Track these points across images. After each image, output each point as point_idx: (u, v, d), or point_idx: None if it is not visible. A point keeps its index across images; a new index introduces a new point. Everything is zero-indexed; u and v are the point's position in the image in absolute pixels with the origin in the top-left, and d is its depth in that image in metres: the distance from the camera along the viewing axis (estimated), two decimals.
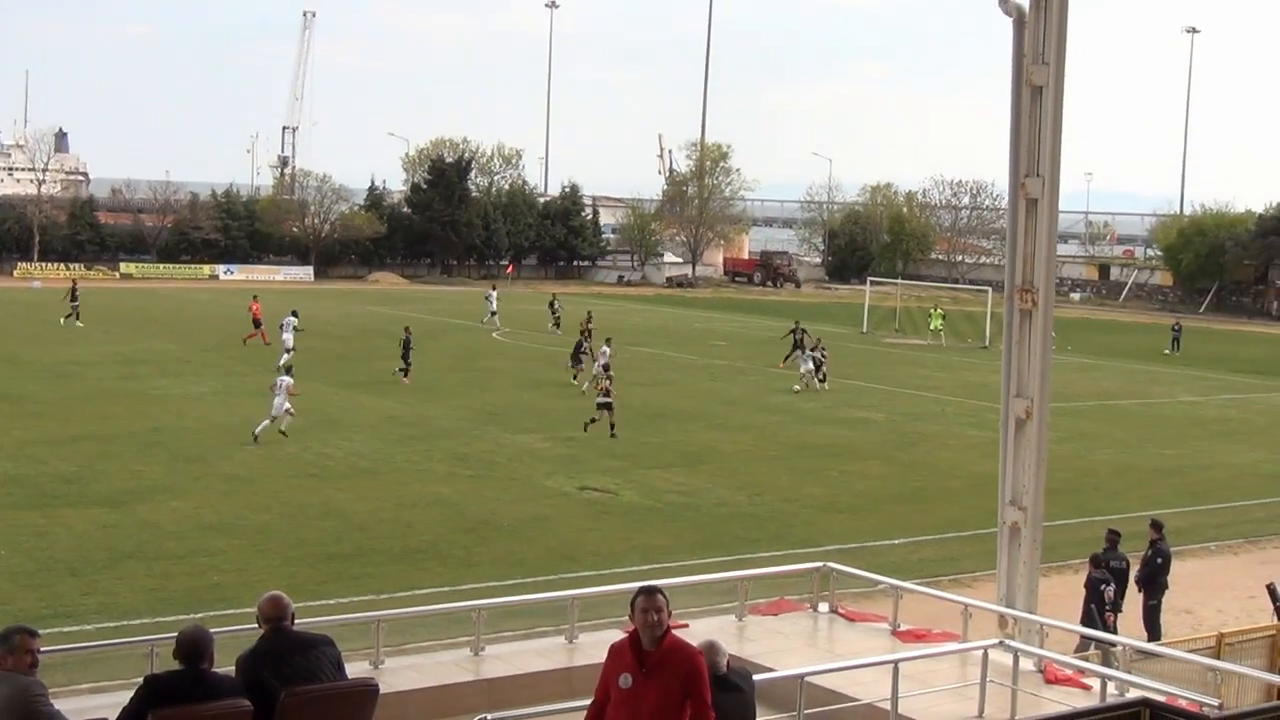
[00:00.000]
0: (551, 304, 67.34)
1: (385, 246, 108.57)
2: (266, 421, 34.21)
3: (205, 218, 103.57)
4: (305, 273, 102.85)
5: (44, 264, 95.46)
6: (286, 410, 34.61)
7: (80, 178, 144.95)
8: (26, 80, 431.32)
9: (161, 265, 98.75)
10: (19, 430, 34.56)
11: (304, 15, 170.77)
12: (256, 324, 54.61)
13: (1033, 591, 14.50)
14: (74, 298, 61.04)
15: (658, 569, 22.72)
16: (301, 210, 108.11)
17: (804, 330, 53.69)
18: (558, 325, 63.99)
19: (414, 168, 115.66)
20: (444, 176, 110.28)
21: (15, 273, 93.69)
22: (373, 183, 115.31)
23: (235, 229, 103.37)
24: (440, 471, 31.60)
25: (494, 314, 66.69)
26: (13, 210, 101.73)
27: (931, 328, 68.34)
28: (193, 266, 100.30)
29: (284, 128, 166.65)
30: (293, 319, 50.75)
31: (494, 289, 70.92)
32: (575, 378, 46.73)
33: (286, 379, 35.33)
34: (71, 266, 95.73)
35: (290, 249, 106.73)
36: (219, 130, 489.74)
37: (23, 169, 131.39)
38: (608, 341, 44.78)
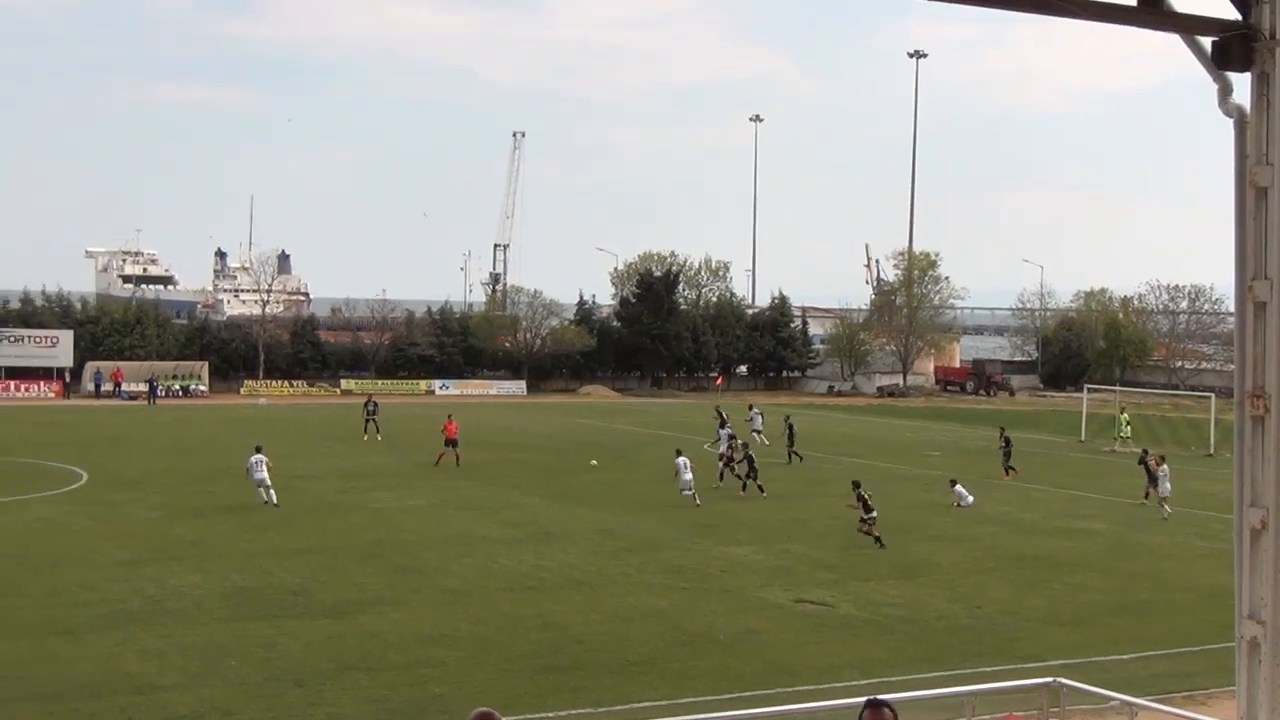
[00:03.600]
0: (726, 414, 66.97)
1: (595, 359, 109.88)
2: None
3: (421, 334, 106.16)
4: (518, 387, 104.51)
5: (269, 381, 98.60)
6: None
7: (302, 298, 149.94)
8: (251, 205, 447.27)
9: (379, 381, 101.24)
10: (247, 542, 35.59)
11: (514, 136, 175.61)
12: (450, 443, 54.36)
13: (1275, 710, 13.91)
14: (371, 411, 63.29)
15: (878, 683, 22.33)
16: (513, 325, 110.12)
17: (1008, 437, 53.74)
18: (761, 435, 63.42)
19: (623, 282, 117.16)
20: (652, 290, 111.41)
21: (242, 390, 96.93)
22: (582, 297, 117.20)
23: (450, 345, 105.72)
24: (655, 584, 31.62)
25: (759, 432, 63.16)
26: (239, 330, 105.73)
27: (1120, 435, 65.70)
28: (410, 382, 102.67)
29: (495, 245, 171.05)
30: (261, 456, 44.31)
31: (752, 407, 69.25)
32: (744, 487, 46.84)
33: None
34: (294, 384, 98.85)
35: (503, 363, 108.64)
36: (432, 249, 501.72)
37: (249, 290, 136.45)
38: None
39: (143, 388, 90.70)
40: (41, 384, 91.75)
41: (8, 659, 23.53)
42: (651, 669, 24.19)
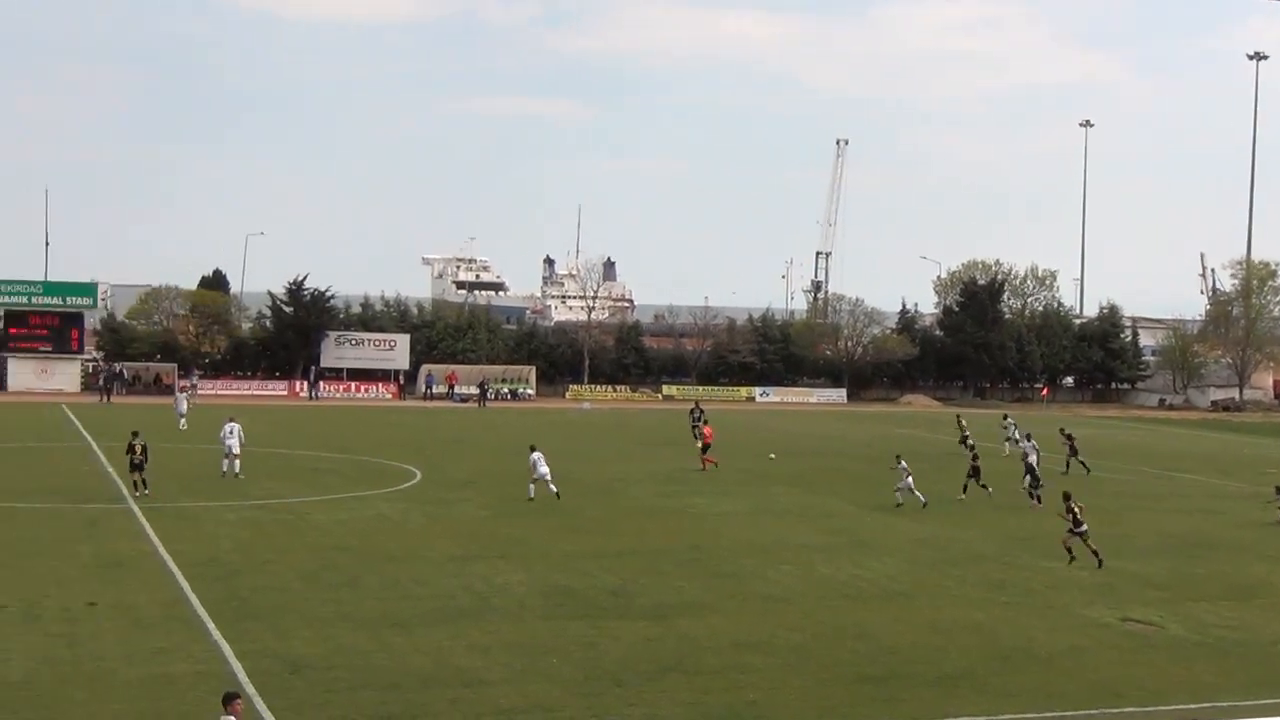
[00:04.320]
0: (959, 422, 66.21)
1: (917, 369, 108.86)
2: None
3: (742, 341, 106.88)
4: (838, 395, 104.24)
5: (593, 386, 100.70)
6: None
7: (626, 304, 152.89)
8: (579, 214, 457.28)
9: (700, 387, 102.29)
10: (568, 544, 36.45)
11: (837, 143, 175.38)
12: (705, 447, 54.54)
13: None
14: (697, 418, 64.69)
15: (1207, 708, 21.59)
16: (835, 333, 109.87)
17: None
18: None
19: (946, 290, 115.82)
20: (976, 299, 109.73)
21: (567, 394, 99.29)
22: (904, 305, 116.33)
23: (771, 352, 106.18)
24: (974, 597, 31.15)
25: (1009, 440, 62.85)
26: (565, 335, 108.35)
27: None
28: (730, 389, 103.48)
29: (817, 253, 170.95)
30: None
31: (1006, 416, 69.28)
32: (965, 490, 46.80)
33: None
34: (617, 389, 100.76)
35: (824, 371, 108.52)
36: (754, 257, 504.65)
37: (575, 297, 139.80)
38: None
39: (474, 390, 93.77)
40: (379, 385, 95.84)
41: (348, 648, 24.66)
42: (969, 683, 23.84)
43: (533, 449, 45.21)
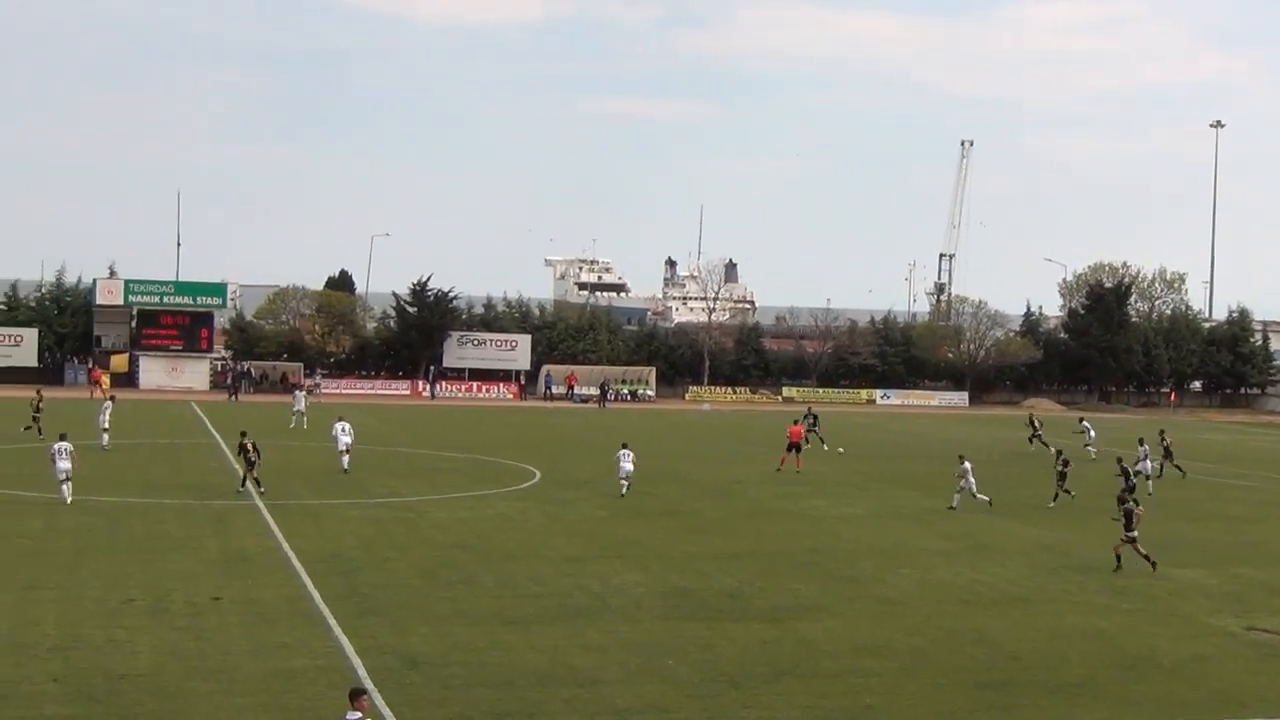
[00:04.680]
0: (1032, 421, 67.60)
1: (1041, 372, 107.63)
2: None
3: (863, 344, 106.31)
4: (960, 398, 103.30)
5: (713, 387, 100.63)
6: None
7: (747, 306, 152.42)
8: (701, 215, 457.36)
9: (821, 389, 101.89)
10: (686, 545, 36.49)
11: (961, 144, 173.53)
12: (793, 447, 54.17)
13: None
14: (812, 423, 64.80)
15: None
16: (957, 336, 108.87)
17: None
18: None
19: (1071, 293, 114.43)
20: (1102, 302, 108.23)
21: (687, 395, 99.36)
22: (1028, 308, 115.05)
23: (892, 355, 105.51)
24: (1096, 603, 30.71)
25: (1089, 446, 62.63)
26: (686, 337, 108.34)
27: None
28: (850, 391, 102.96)
29: (940, 255, 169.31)
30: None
31: (1082, 419, 69.08)
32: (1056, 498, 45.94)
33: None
34: (737, 390, 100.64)
35: (945, 374, 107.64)
36: (877, 258, 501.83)
37: (696, 298, 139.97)
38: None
39: (594, 391, 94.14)
40: (500, 385, 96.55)
41: (465, 645, 24.89)
42: (1090, 691, 23.51)
43: (623, 446, 45.74)
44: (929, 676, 24.05)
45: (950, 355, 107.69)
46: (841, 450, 60.77)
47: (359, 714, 16.43)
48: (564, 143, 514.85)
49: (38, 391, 61.32)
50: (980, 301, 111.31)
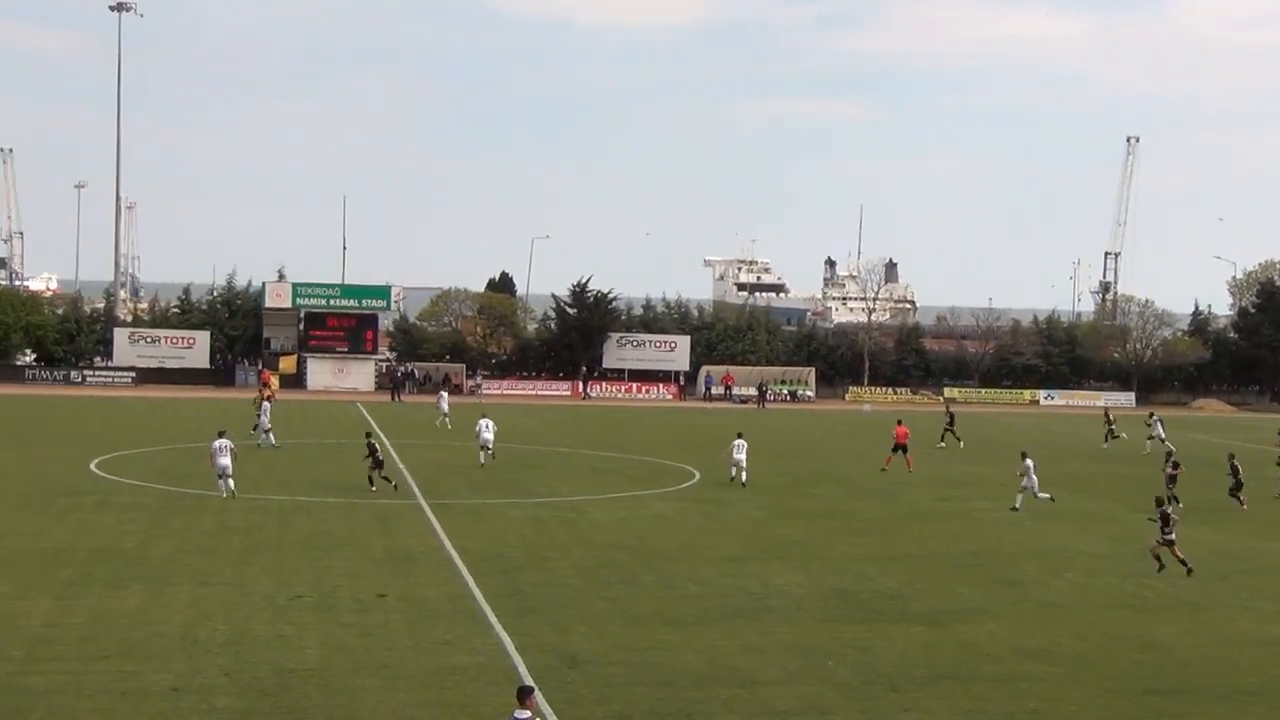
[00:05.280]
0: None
1: (1210, 372, 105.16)
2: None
3: (1026, 344, 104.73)
4: (1126, 398, 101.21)
5: (873, 388, 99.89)
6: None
7: (908, 306, 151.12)
8: (860, 215, 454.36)
9: (983, 390, 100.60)
10: (846, 546, 36.32)
11: (1127, 141, 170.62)
12: (899, 448, 53.51)
13: None
14: (949, 422, 64.57)
15: None
16: (1123, 335, 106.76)
17: None
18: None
19: (1241, 291, 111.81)
20: (1274, 300, 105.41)
21: (847, 396, 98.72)
22: (1197, 307, 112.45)
23: (1056, 355, 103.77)
24: (1269, 610, 29.95)
25: (1161, 439, 62.78)
26: (845, 337, 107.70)
27: None
28: (1013, 391, 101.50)
29: (1106, 253, 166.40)
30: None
31: (1153, 414, 68.23)
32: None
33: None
34: (897, 391, 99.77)
35: (1111, 374, 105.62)
36: (1040, 257, 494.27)
37: (855, 298, 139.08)
38: None
39: (753, 392, 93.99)
40: (660, 386, 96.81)
41: (625, 645, 25.05)
42: (1264, 700, 22.94)
43: (739, 435, 47.98)
44: (1094, 682, 23.65)
45: (1116, 355, 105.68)
46: (942, 445, 62.82)
47: (528, 713, 16.43)
48: (723, 143, 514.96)
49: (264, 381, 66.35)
50: (1147, 300, 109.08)
